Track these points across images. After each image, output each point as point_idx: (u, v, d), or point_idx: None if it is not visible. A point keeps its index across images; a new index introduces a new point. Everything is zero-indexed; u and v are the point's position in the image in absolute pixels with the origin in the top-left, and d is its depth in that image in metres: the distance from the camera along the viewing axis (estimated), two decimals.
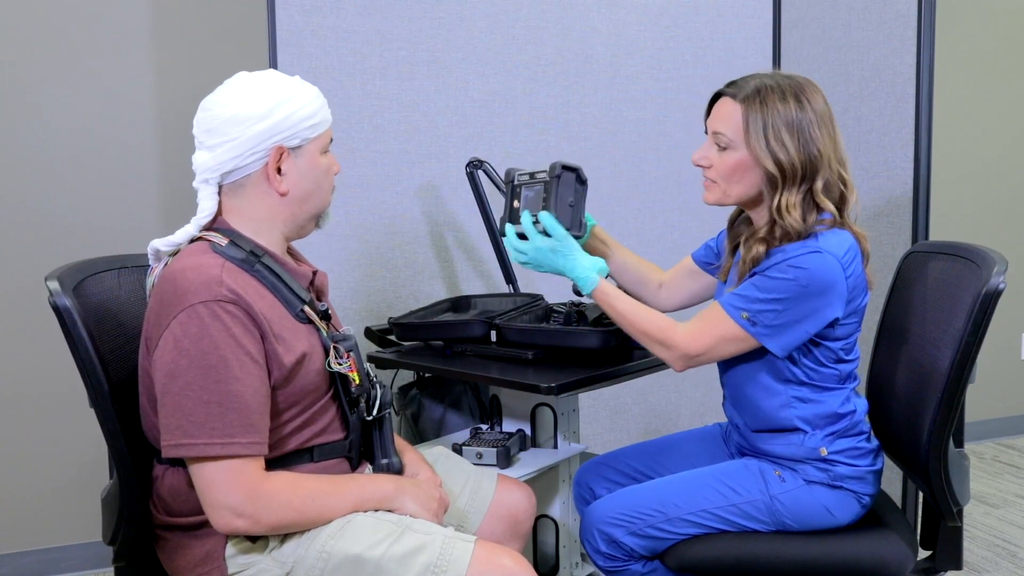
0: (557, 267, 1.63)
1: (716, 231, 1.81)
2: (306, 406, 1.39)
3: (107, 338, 1.43)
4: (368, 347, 2.08)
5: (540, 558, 2.03)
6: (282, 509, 1.29)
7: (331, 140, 1.46)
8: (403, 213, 2.39)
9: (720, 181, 1.59)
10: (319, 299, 1.50)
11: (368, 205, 2.35)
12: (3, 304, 2.49)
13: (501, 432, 1.98)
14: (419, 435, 2.14)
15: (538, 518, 2.00)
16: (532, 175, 1.71)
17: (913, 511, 2.38)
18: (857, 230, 1.56)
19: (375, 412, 1.46)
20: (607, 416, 2.74)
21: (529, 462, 1.92)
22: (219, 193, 1.40)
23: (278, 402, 1.34)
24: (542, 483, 1.98)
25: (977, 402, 3.43)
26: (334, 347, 1.41)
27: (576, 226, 1.67)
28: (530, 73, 2.51)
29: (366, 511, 1.36)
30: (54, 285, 1.35)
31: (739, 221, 1.69)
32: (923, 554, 1.64)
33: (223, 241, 1.36)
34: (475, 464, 1.76)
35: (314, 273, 1.49)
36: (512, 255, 1.68)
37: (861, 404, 1.62)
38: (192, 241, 1.39)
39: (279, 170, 1.38)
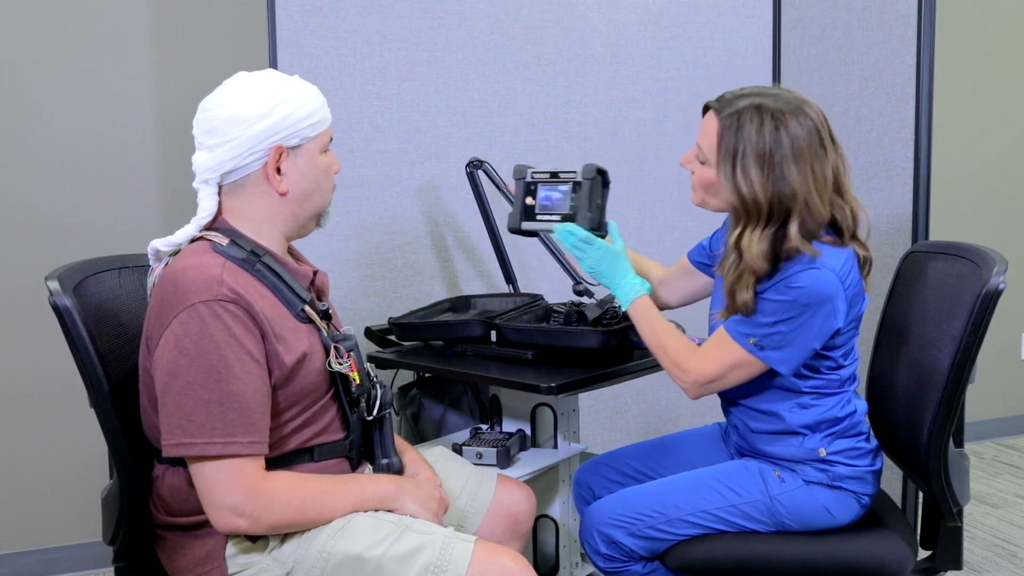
0: (611, 275, 1.64)
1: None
2: (306, 406, 1.39)
3: (107, 338, 1.43)
4: (368, 347, 2.08)
5: (540, 558, 2.03)
6: (282, 509, 1.29)
7: (331, 139, 1.46)
8: (403, 213, 2.39)
9: (699, 190, 1.59)
10: (320, 299, 1.50)
11: (368, 205, 2.35)
12: (3, 304, 2.49)
13: (501, 432, 1.98)
14: (419, 435, 2.14)
15: (538, 518, 2.00)
16: (554, 174, 1.72)
17: (913, 511, 2.38)
18: (861, 251, 1.51)
19: (375, 412, 1.47)
20: (607, 416, 2.73)
21: (529, 462, 1.92)
22: (219, 193, 1.40)
23: (279, 402, 1.34)
24: (542, 483, 1.98)
25: (977, 402, 3.43)
26: (335, 347, 1.41)
27: (602, 227, 1.70)
28: (530, 73, 2.51)
29: (366, 511, 1.36)
30: (54, 285, 1.35)
31: None
32: (923, 554, 1.64)
33: (224, 241, 1.37)
34: (475, 464, 1.76)
35: (315, 273, 1.49)
36: (576, 254, 1.66)
37: (861, 405, 1.62)
38: (193, 240, 1.39)
39: (279, 170, 1.38)
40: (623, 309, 1.65)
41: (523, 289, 2.33)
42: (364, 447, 1.50)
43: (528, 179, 1.75)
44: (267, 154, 1.37)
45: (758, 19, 2.78)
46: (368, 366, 1.53)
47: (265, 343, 1.30)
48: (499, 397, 2.06)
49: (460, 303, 2.19)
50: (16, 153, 2.48)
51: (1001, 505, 2.97)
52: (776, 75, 2.79)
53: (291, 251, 1.51)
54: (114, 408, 1.38)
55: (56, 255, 2.20)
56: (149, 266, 1.42)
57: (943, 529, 1.59)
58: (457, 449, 1.87)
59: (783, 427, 1.58)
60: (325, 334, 1.42)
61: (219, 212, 1.41)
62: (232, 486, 1.25)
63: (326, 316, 1.46)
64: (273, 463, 1.33)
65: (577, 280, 2.11)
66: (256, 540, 1.33)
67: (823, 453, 1.56)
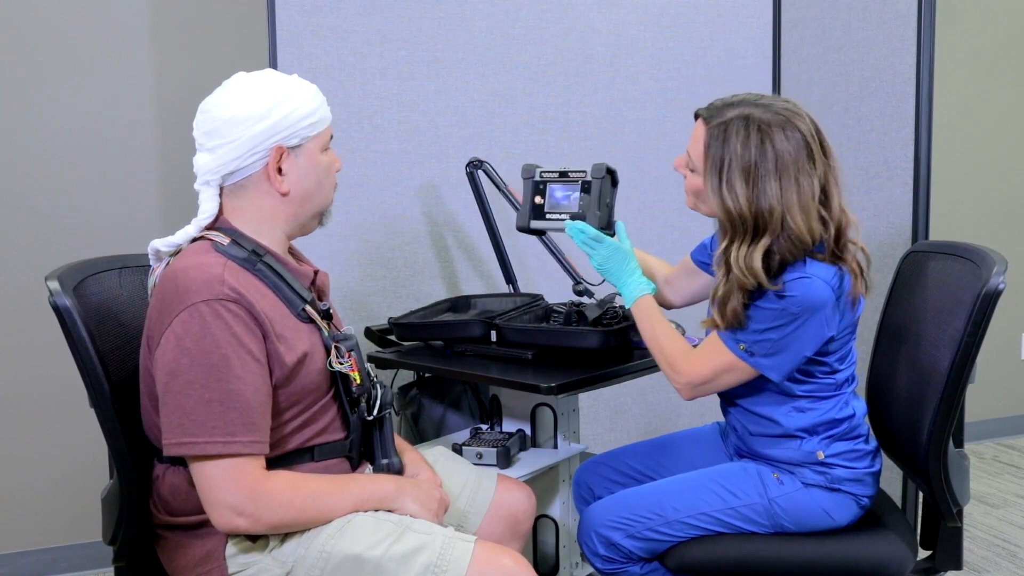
0: (618, 273, 1.65)
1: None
2: (307, 405, 1.39)
3: (107, 338, 1.43)
4: (368, 347, 2.08)
5: (540, 558, 2.03)
6: (283, 508, 1.29)
7: (331, 137, 1.47)
8: (403, 213, 2.39)
9: (691, 195, 1.60)
10: (320, 299, 1.50)
11: (368, 205, 2.35)
12: (3, 304, 2.49)
13: (501, 432, 1.98)
14: (419, 435, 2.14)
15: (538, 518, 2.00)
16: (563, 173, 1.72)
17: (913, 511, 2.38)
18: (853, 266, 1.49)
19: (376, 412, 1.47)
20: (607, 416, 2.74)
21: (529, 462, 1.92)
22: (220, 194, 1.40)
23: (279, 401, 1.34)
24: (542, 483, 1.98)
25: (977, 402, 3.43)
26: (335, 346, 1.41)
27: (610, 226, 1.71)
28: (530, 73, 2.51)
29: (366, 511, 1.36)
30: (54, 285, 1.35)
31: None
32: (923, 554, 1.64)
33: (225, 240, 1.37)
34: (475, 464, 1.76)
35: (315, 273, 1.49)
36: (586, 250, 1.67)
37: (859, 406, 1.61)
38: (194, 240, 1.39)
39: (279, 170, 1.38)
40: (627, 307, 1.66)
41: (523, 289, 2.33)
42: (364, 447, 1.50)
43: (537, 178, 1.76)
44: (268, 154, 1.37)
45: (758, 19, 2.78)
46: (368, 366, 1.53)
47: (266, 342, 1.30)
48: (499, 397, 2.06)
49: (460, 303, 2.19)
50: (16, 153, 2.48)
51: (1001, 505, 2.97)
52: (776, 75, 2.79)
53: (292, 251, 1.51)
54: (114, 408, 1.38)
55: (56, 255, 2.20)
56: (149, 266, 1.42)
57: (943, 529, 1.59)
58: (457, 449, 1.87)
59: (780, 431, 1.58)
60: (326, 334, 1.42)
61: (220, 213, 1.41)
62: (232, 485, 1.25)
63: (327, 316, 1.46)
64: (273, 463, 1.33)
65: (577, 280, 2.12)
66: (256, 540, 1.33)
67: (821, 456, 1.56)
